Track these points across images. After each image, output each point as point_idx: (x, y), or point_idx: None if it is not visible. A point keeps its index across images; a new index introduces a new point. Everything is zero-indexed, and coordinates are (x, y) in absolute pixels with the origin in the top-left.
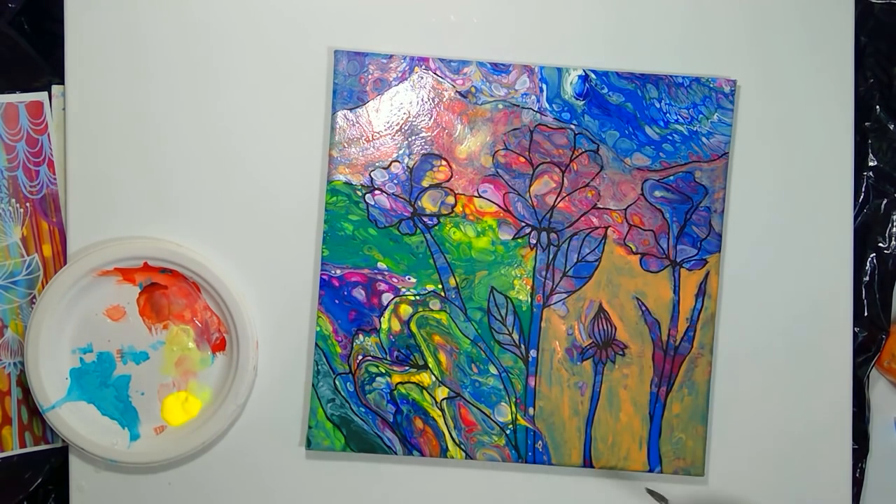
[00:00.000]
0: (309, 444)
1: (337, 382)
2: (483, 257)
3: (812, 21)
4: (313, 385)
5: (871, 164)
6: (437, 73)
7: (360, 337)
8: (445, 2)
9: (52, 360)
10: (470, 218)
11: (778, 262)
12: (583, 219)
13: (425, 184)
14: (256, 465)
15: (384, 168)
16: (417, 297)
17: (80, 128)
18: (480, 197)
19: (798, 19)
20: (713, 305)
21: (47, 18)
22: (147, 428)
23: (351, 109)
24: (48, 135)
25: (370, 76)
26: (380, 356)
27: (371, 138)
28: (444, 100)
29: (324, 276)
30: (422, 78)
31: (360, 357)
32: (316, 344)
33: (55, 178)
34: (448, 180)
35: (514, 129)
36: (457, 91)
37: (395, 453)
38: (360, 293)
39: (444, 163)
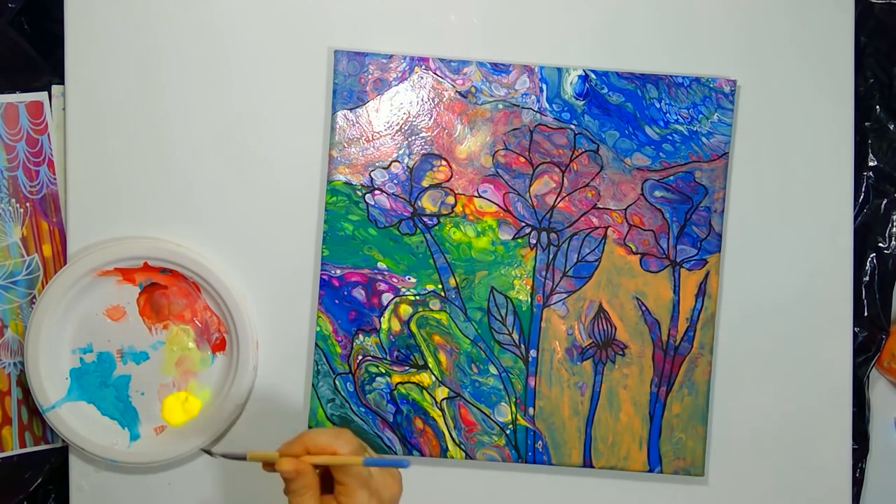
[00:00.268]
0: None
1: (337, 382)
2: (483, 257)
3: (812, 21)
4: (313, 385)
5: (871, 164)
6: (437, 73)
7: (360, 337)
8: (445, 2)
9: (52, 360)
10: (470, 218)
11: (778, 263)
12: (583, 219)
13: (425, 184)
14: (256, 465)
15: (384, 168)
16: (417, 297)
17: (80, 128)
18: (480, 197)
19: (798, 19)
20: (713, 305)
21: (47, 18)
22: (147, 428)
23: (351, 109)
24: (48, 135)
25: (370, 76)
26: (380, 356)
27: (371, 138)
28: (444, 100)
29: (324, 276)
30: (422, 78)
31: (360, 357)
32: (316, 344)
33: (55, 178)
34: (448, 180)
35: (514, 129)
36: (457, 91)
37: (395, 453)
38: (360, 293)
39: (444, 163)
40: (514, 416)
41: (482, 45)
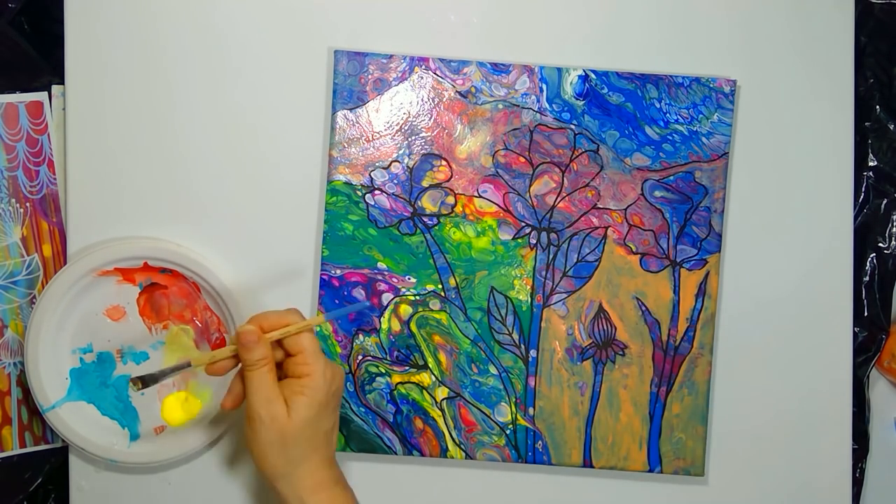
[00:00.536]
0: None
1: None
2: (483, 257)
3: (812, 21)
4: None
5: (871, 164)
6: (437, 73)
7: (360, 337)
8: (445, 2)
9: (52, 360)
10: (470, 218)
11: (778, 263)
12: (583, 219)
13: (425, 184)
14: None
15: (384, 168)
16: (417, 297)
17: (80, 128)
18: (480, 197)
19: (798, 19)
20: (713, 305)
21: (47, 18)
22: (147, 428)
23: (351, 109)
24: (48, 135)
25: (370, 76)
26: (380, 356)
27: (371, 138)
28: (444, 100)
29: (324, 276)
30: (422, 78)
31: (360, 357)
32: None
33: (55, 178)
34: (448, 180)
35: (514, 129)
36: (457, 91)
37: (395, 453)
38: (360, 293)
39: (444, 163)
40: (514, 416)
41: (482, 45)
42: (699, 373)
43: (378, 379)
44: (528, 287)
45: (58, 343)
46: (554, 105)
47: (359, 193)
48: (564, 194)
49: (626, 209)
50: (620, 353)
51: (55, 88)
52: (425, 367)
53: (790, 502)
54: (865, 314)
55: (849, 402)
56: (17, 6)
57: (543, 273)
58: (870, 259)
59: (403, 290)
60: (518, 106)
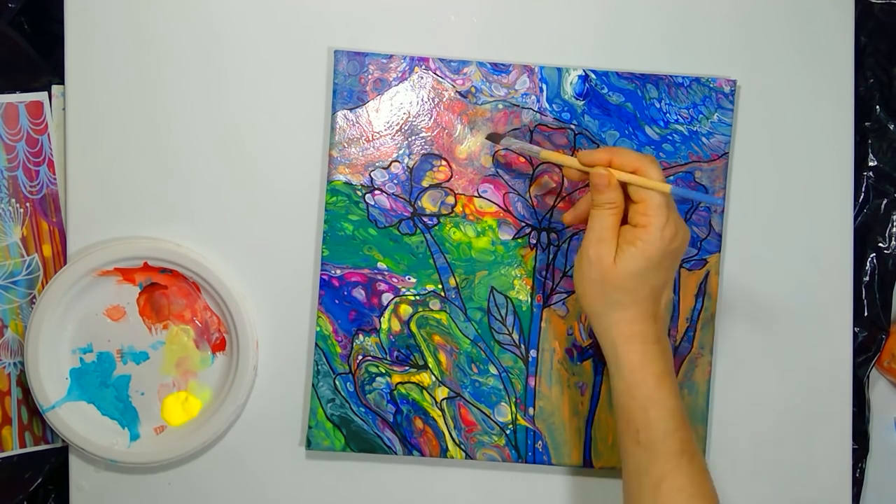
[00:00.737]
0: (309, 444)
1: (337, 382)
2: (483, 257)
3: (812, 21)
4: (313, 385)
5: (871, 164)
6: (437, 73)
7: (360, 337)
8: (445, 2)
9: (52, 360)
10: (470, 218)
11: (778, 263)
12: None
13: (425, 184)
14: (256, 465)
15: (384, 168)
16: (417, 297)
17: (80, 128)
18: (480, 197)
19: (798, 19)
20: (713, 305)
21: (47, 18)
22: (147, 428)
23: (351, 109)
24: (48, 135)
25: (370, 76)
26: (380, 356)
27: (371, 138)
28: (444, 100)
29: (324, 276)
30: (422, 78)
31: (360, 357)
32: (316, 344)
33: (55, 178)
34: (448, 180)
35: (514, 129)
36: (457, 91)
37: (395, 453)
38: (360, 293)
39: (444, 163)
40: (514, 416)
41: (482, 45)
42: (699, 373)
43: (378, 379)
44: (528, 287)
45: (58, 343)
46: (554, 105)
47: (359, 193)
48: (564, 194)
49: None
50: None
51: (55, 88)
52: (425, 367)
53: (790, 502)
54: (865, 314)
55: (849, 402)
56: (17, 6)
57: (543, 273)
58: (870, 259)
59: (403, 290)
60: (518, 106)
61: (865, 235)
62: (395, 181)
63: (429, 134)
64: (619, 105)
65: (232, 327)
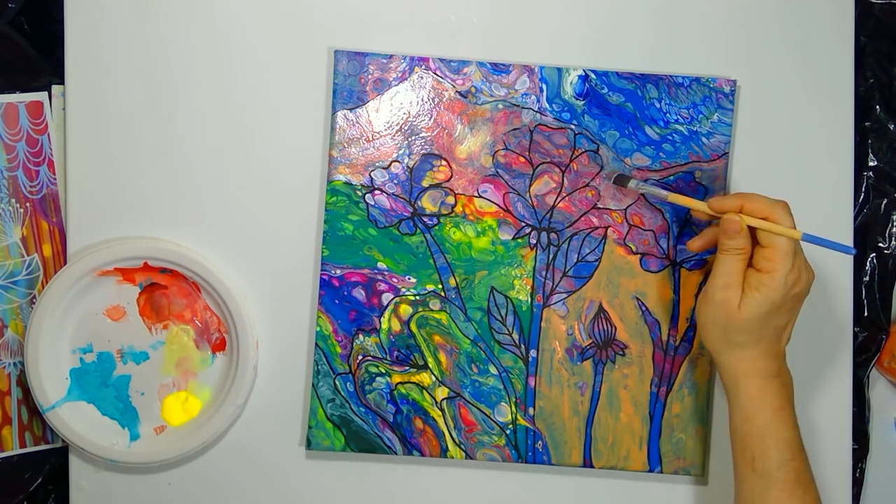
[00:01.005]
0: (309, 444)
1: (337, 382)
2: (483, 257)
3: (812, 21)
4: (313, 385)
5: (871, 164)
6: (437, 73)
7: (360, 337)
8: (445, 2)
9: (52, 360)
10: (470, 218)
11: None
12: (583, 219)
13: (425, 184)
14: (256, 465)
15: (384, 168)
16: (417, 297)
17: (80, 128)
18: (480, 197)
19: (798, 19)
20: None
21: (47, 18)
22: (147, 428)
23: (351, 109)
24: (48, 135)
25: (370, 76)
26: (380, 356)
27: (371, 138)
28: (444, 100)
29: (324, 276)
30: (422, 78)
31: (360, 357)
32: (316, 344)
33: (55, 178)
34: (448, 180)
35: (514, 129)
36: (457, 91)
37: (395, 453)
38: (360, 293)
39: (444, 163)
40: (514, 416)
41: (482, 45)
42: (699, 373)
43: (378, 379)
44: (528, 287)
45: (58, 343)
46: (554, 105)
47: (359, 193)
48: (564, 194)
49: (626, 209)
50: (620, 353)
51: (55, 88)
52: (425, 367)
53: None
54: (865, 314)
55: (849, 402)
56: (17, 6)
57: (543, 273)
58: (870, 259)
59: (403, 290)
60: (518, 106)
61: (865, 235)
62: (395, 181)
63: (429, 134)
64: (619, 105)
65: (232, 327)
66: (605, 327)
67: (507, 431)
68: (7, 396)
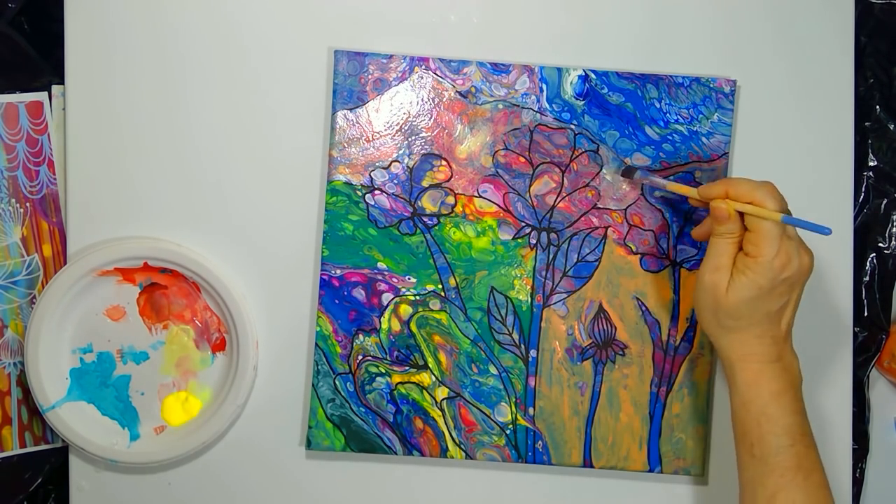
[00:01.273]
0: (309, 444)
1: (337, 382)
2: (483, 257)
3: (812, 21)
4: (313, 385)
5: (871, 164)
6: (437, 73)
7: (360, 337)
8: (445, 2)
9: (52, 360)
10: (470, 218)
11: None
12: (583, 219)
13: (425, 184)
14: (256, 465)
15: (384, 168)
16: (417, 297)
17: (80, 128)
18: (480, 197)
19: (798, 19)
20: None
21: (47, 18)
22: (147, 428)
23: (351, 109)
24: (48, 135)
25: (370, 76)
26: (380, 356)
27: (371, 138)
28: (444, 100)
29: (324, 276)
30: (422, 78)
31: (360, 357)
32: (316, 344)
33: (55, 178)
34: (448, 180)
35: (514, 129)
36: (457, 91)
37: (395, 453)
38: (360, 293)
39: (444, 163)
40: (514, 416)
41: (482, 45)
42: (699, 373)
43: (378, 379)
44: (528, 287)
45: (58, 343)
46: (554, 105)
47: (359, 193)
48: (564, 194)
49: (626, 209)
50: (620, 353)
51: (55, 88)
52: (425, 367)
53: None
54: (865, 314)
55: (849, 402)
56: (17, 6)
57: (543, 273)
58: (870, 259)
59: (403, 290)
60: (518, 106)
61: (865, 235)
62: (395, 181)
63: (429, 134)
64: (619, 105)
65: (232, 327)
66: (605, 327)
67: (507, 431)
68: (7, 396)
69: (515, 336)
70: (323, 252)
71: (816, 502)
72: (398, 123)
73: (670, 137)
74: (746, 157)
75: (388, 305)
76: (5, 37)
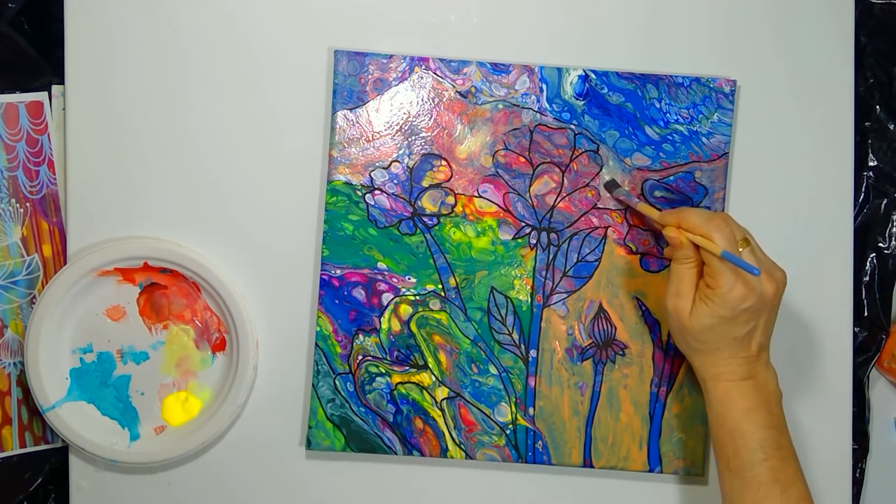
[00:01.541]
0: (309, 444)
1: (337, 382)
2: (483, 257)
3: (812, 21)
4: (313, 385)
5: (871, 164)
6: (437, 73)
7: (360, 337)
8: (445, 2)
9: (52, 360)
10: (470, 218)
11: (778, 263)
12: (583, 219)
13: (425, 184)
14: (256, 465)
15: (384, 168)
16: (417, 297)
17: (80, 128)
18: (480, 197)
19: (798, 19)
20: None
21: (47, 18)
22: (147, 428)
23: (351, 109)
24: (48, 135)
25: (370, 76)
26: (380, 356)
27: (371, 138)
28: (444, 100)
29: (324, 276)
30: (422, 78)
31: (360, 357)
32: (316, 344)
33: (55, 178)
34: (448, 180)
35: (514, 129)
36: (457, 91)
37: (395, 453)
38: (360, 293)
39: (444, 163)
40: (514, 416)
41: (482, 45)
42: None
43: (378, 379)
44: (528, 287)
45: (58, 343)
46: (554, 105)
47: (359, 193)
48: (564, 194)
49: (626, 209)
50: (620, 353)
51: (55, 88)
52: (425, 367)
53: None
54: (865, 314)
55: (849, 402)
56: (17, 6)
57: (543, 273)
58: (870, 259)
59: (403, 290)
60: (518, 106)
61: (865, 235)
62: (395, 181)
63: (429, 134)
64: (619, 105)
65: (232, 327)
66: (605, 327)
67: (507, 431)
68: (7, 396)
69: (515, 336)
70: (323, 252)
71: None
72: (398, 123)
73: (670, 137)
74: (746, 157)
75: (388, 305)
76: (5, 37)
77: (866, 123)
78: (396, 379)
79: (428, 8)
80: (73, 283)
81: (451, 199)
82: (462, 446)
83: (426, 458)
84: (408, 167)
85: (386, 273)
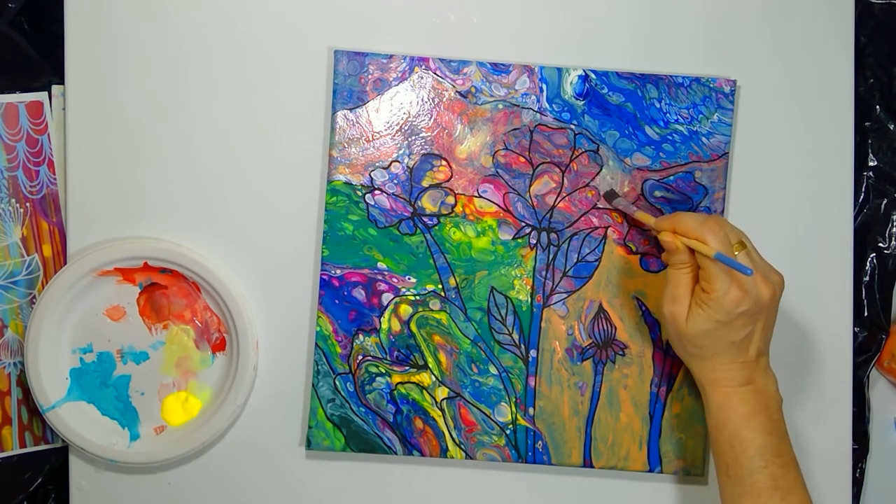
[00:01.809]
0: (309, 444)
1: (337, 382)
2: (483, 257)
3: (812, 21)
4: (313, 385)
5: (871, 164)
6: (437, 73)
7: (360, 337)
8: (445, 2)
9: (52, 360)
10: (470, 218)
11: (778, 263)
12: (583, 219)
13: (425, 184)
14: (256, 465)
15: (384, 168)
16: (417, 297)
17: (80, 128)
18: (480, 197)
19: (798, 19)
20: None
21: (47, 18)
22: (147, 428)
23: (351, 109)
24: (48, 135)
25: (370, 76)
26: (380, 356)
27: (371, 138)
28: (444, 100)
29: (324, 276)
30: (422, 78)
31: (360, 357)
32: (316, 344)
33: (55, 178)
34: (448, 180)
35: (514, 129)
36: (457, 91)
37: (395, 453)
38: (360, 293)
39: (444, 163)
40: (514, 416)
41: (482, 45)
42: None
43: (378, 379)
44: (528, 287)
45: (58, 343)
46: (554, 105)
47: (359, 193)
48: (564, 194)
49: (625, 213)
50: (620, 353)
51: (55, 88)
52: (425, 367)
53: None
54: (865, 314)
55: (849, 402)
56: (17, 6)
57: (543, 273)
58: (870, 259)
59: (403, 290)
60: (518, 106)
61: (865, 235)
62: (395, 181)
63: (429, 134)
64: (619, 105)
65: (232, 327)
66: (605, 327)
67: (507, 431)
68: (7, 396)
69: (515, 336)
70: (323, 252)
71: None
72: (398, 123)
73: (670, 137)
74: (746, 157)
75: (388, 305)
76: (5, 37)
77: (866, 123)
78: (396, 379)
79: (428, 8)
80: (73, 283)
81: (451, 199)
82: (462, 446)
83: (426, 458)
84: (408, 167)
85: (386, 273)
